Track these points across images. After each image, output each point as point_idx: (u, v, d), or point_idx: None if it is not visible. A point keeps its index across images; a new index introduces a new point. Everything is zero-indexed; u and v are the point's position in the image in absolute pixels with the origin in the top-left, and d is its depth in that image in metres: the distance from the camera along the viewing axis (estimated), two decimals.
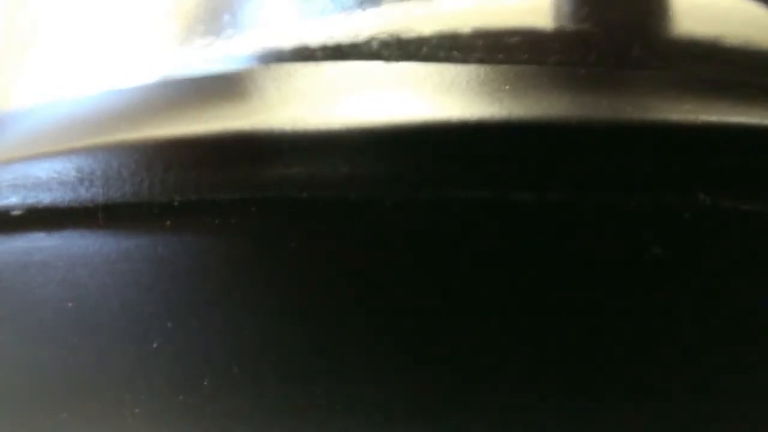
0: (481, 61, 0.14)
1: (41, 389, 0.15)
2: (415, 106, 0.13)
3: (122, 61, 0.17)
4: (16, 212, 0.14)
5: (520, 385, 0.13)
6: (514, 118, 0.12)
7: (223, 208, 0.13)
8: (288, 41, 0.16)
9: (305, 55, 0.15)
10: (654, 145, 0.12)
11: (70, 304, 0.14)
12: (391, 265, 0.12)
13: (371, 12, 0.16)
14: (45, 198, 0.14)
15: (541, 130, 0.12)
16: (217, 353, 0.13)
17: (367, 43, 0.15)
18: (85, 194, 0.13)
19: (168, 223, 0.13)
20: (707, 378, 0.13)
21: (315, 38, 0.15)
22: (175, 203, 0.13)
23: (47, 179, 0.14)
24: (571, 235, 0.12)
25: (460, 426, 0.13)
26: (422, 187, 0.12)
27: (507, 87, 0.13)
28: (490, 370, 0.13)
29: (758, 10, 0.16)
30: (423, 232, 0.12)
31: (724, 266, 0.12)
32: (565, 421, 0.13)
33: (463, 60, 0.14)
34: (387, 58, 0.15)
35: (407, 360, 0.13)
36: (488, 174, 0.12)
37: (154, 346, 0.13)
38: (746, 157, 0.12)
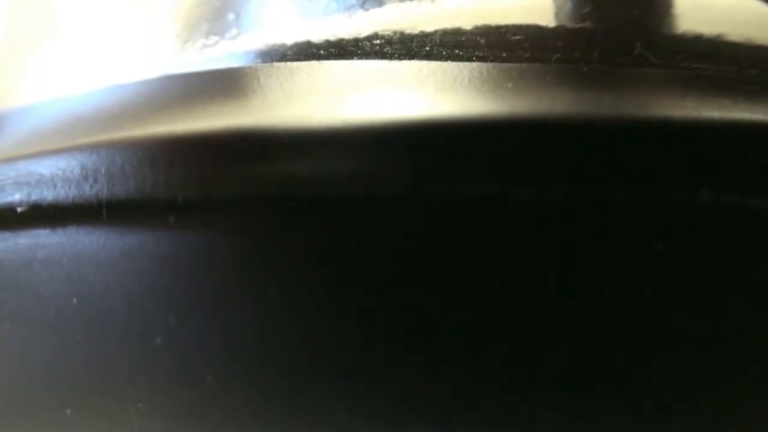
0: (483, 59, 0.14)
1: (45, 385, 0.15)
2: (418, 104, 0.13)
3: (126, 58, 0.17)
4: (19, 209, 0.14)
5: (521, 385, 0.13)
6: (516, 116, 0.12)
7: (226, 205, 0.13)
8: (291, 40, 0.16)
9: (309, 53, 0.15)
10: (656, 142, 0.12)
11: (73, 301, 0.14)
12: (395, 262, 0.12)
13: (374, 11, 0.16)
14: (48, 195, 0.14)
15: (544, 127, 0.12)
16: (220, 350, 0.13)
17: (370, 41, 0.15)
18: (88, 191, 0.13)
19: (171, 219, 0.13)
20: (709, 376, 0.13)
21: (318, 37, 0.15)
22: (179, 200, 0.13)
23: (51, 176, 0.14)
24: (573, 232, 0.12)
25: (460, 426, 0.13)
26: (425, 185, 0.12)
27: (510, 85, 0.13)
28: (491, 370, 0.13)
29: (760, 7, 0.16)
30: (425, 229, 0.12)
31: (727, 262, 0.12)
32: (565, 421, 0.13)
33: (466, 58, 0.14)
34: (390, 57, 0.15)
35: (408, 359, 0.13)
36: (491, 171, 0.12)
37: (158, 342, 0.13)
38: (749, 153, 0.12)
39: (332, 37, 0.15)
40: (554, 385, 0.13)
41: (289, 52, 0.15)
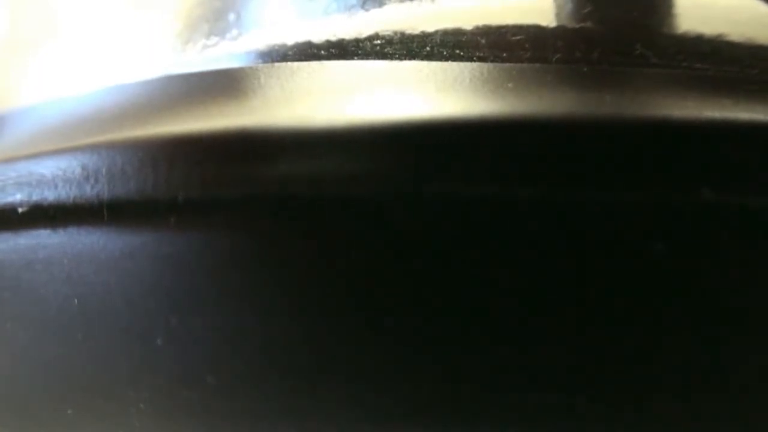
0: (484, 59, 0.14)
1: (46, 386, 0.15)
2: (419, 104, 0.13)
3: (127, 58, 0.17)
4: (20, 209, 0.14)
5: (521, 385, 0.13)
6: (517, 116, 0.12)
7: (227, 205, 0.13)
8: (292, 40, 0.16)
9: (309, 53, 0.15)
10: (657, 142, 0.12)
11: (74, 301, 0.14)
12: (395, 263, 0.12)
13: (374, 11, 0.16)
14: (49, 195, 0.14)
15: (545, 127, 0.12)
16: (221, 351, 0.13)
17: (371, 41, 0.15)
18: (89, 191, 0.13)
19: (172, 220, 0.13)
20: (709, 377, 0.13)
21: (319, 37, 0.15)
22: (180, 200, 0.13)
23: (52, 176, 0.14)
24: (573, 232, 0.12)
25: (460, 426, 0.13)
26: (426, 185, 0.12)
27: (510, 85, 0.13)
28: (491, 370, 0.13)
29: (760, 7, 0.16)
30: (426, 229, 0.12)
31: (727, 262, 0.12)
32: (565, 421, 0.13)
33: (466, 58, 0.14)
34: (390, 57, 0.15)
35: (409, 360, 0.13)
36: (492, 171, 0.12)
37: (158, 342, 0.13)
38: (749, 153, 0.12)
39: (333, 38, 0.15)
40: (554, 385, 0.13)
41: (290, 53, 0.15)
